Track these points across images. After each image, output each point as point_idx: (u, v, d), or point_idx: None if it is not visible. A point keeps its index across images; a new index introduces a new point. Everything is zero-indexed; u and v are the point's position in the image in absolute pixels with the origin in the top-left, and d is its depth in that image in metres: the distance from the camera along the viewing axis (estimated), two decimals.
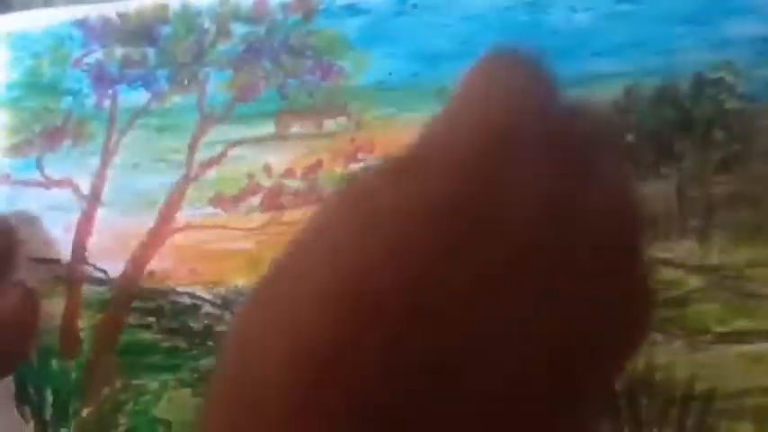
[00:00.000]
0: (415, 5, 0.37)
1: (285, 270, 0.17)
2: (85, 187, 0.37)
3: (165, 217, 0.37)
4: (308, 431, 0.15)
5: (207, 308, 0.37)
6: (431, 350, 0.15)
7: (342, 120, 0.37)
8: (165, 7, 0.38)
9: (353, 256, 0.16)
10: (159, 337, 0.37)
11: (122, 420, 0.36)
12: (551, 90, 0.21)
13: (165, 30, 0.38)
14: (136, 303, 0.37)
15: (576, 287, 0.17)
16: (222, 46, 0.38)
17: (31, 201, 0.37)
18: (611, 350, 0.18)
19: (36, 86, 0.38)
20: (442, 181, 0.16)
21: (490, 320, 0.15)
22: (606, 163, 0.19)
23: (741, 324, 0.33)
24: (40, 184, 0.38)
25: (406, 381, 0.15)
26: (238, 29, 0.38)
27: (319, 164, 0.37)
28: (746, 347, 0.33)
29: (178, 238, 0.37)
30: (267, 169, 0.37)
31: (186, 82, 0.38)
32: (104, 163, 0.37)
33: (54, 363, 0.36)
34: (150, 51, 0.38)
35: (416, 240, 0.16)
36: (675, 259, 0.34)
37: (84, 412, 0.36)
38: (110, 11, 0.39)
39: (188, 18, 0.38)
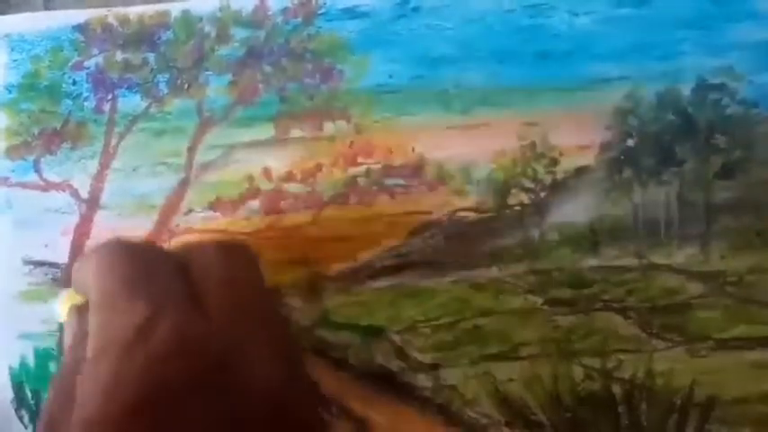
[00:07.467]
0: (415, 8, 0.37)
1: None
2: (84, 190, 0.37)
3: (164, 221, 0.37)
4: None
5: None
6: None
7: (341, 123, 0.37)
8: (166, 13, 0.38)
9: None
10: None
11: None
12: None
13: (166, 34, 0.38)
14: None
15: None
16: (222, 50, 0.38)
17: (29, 203, 0.37)
18: None
19: (35, 89, 0.38)
20: None
21: None
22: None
23: (742, 331, 0.33)
24: (38, 187, 0.37)
25: None
26: (238, 33, 0.38)
27: (319, 167, 0.37)
28: (747, 354, 0.33)
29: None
30: (267, 173, 0.37)
31: (186, 86, 0.38)
32: (103, 166, 0.37)
33: (52, 367, 0.35)
34: (150, 56, 0.38)
35: None
36: (676, 265, 0.34)
37: None
38: (110, 16, 0.39)
39: (189, 23, 0.38)
